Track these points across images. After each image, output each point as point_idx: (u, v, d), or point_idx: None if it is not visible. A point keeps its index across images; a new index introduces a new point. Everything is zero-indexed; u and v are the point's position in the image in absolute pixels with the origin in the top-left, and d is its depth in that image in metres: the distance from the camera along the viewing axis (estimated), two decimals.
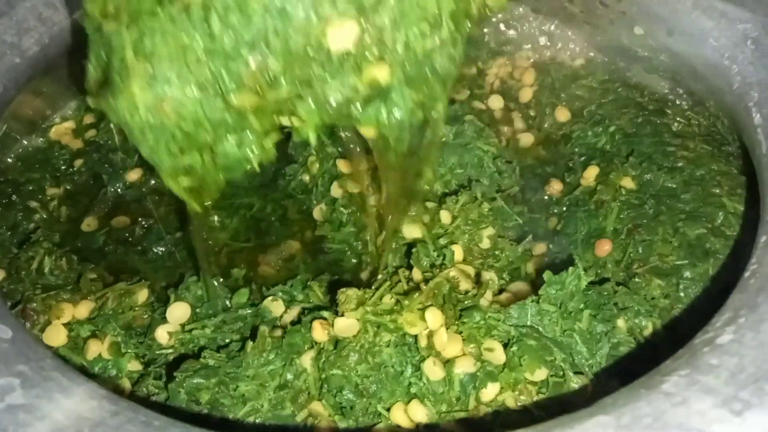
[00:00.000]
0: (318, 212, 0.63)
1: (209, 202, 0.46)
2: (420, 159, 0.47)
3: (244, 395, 0.46)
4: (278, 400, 0.46)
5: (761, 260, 0.40)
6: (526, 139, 0.68)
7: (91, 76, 0.42)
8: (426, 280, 0.50)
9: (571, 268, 0.49)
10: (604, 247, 0.56)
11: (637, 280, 0.54)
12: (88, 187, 0.69)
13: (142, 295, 0.55)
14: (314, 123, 0.41)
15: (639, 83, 0.68)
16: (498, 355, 0.45)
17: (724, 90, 0.53)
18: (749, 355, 0.35)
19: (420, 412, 0.43)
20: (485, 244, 0.55)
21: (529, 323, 0.47)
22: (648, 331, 0.50)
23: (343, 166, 0.61)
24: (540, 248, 0.60)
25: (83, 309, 0.53)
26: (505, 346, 0.46)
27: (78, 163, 0.69)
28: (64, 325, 0.52)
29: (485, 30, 0.75)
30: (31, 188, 0.67)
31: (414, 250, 0.54)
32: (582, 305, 0.48)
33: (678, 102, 0.67)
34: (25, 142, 0.70)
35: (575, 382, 0.44)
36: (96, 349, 0.50)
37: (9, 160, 0.69)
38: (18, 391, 0.35)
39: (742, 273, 0.40)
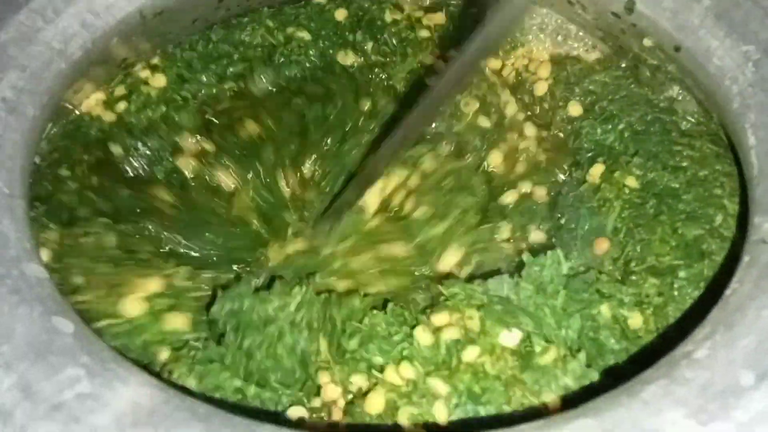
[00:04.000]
0: None
1: None
2: None
3: None
4: None
5: (742, 279, 0.44)
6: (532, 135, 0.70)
7: None
8: None
9: (550, 252, 0.53)
10: (602, 246, 0.60)
11: (633, 278, 0.58)
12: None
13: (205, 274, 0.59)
14: None
15: (650, 81, 0.69)
16: (476, 322, 0.51)
17: (725, 108, 0.55)
18: (720, 370, 0.39)
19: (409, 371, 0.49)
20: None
21: (504, 295, 0.52)
22: (635, 324, 0.54)
23: None
24: (539, 236, 0.64)
25: (155, 284, 0.57)
26: None
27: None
28: (142, 298, 0.56)
29: None
30: (58, 156, 0.65)
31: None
32: (561, 288, 0.52)
33: (689, 98, 0.68)
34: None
35: (543, 351, 0.49)
36: (174, 321, 0.55)
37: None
38: (84, 381, 0.40)
39: (725, 289, 0.44)
